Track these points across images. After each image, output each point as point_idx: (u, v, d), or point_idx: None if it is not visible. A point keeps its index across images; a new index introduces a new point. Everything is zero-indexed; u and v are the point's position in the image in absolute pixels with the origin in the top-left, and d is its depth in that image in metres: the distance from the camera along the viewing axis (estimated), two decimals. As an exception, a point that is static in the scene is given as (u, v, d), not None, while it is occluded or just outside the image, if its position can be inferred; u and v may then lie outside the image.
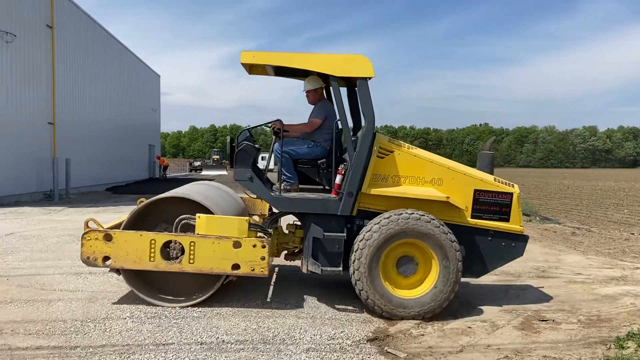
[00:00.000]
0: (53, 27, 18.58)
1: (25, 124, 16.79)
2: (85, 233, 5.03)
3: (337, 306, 5.45)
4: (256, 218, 6.58)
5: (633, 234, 11.68)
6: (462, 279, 5.69)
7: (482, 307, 5.56)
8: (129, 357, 3.94)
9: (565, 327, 4.96)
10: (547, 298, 6.01)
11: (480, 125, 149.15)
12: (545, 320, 5.13)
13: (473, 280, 6.76)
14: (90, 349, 4.07)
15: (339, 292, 5.95)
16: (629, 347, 4.32)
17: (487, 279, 6.86)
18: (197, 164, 60.34)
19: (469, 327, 4.91)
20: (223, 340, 4.35)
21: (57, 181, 17.92)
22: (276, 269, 7.06)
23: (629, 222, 14.18)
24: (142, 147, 32.88)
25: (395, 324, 4.95)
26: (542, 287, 6.53)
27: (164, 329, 4.58)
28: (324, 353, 4.15)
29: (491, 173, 5.85)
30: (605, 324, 5.07)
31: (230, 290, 5.87)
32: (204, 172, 50.66)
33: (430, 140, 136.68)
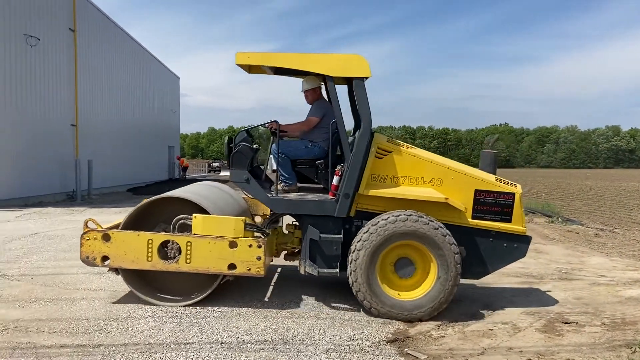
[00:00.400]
0: (75, 30, 18.90)
1: (48, 126, 17.11)
2: (84, 233, 5.11)
3: (356, 307, 5.43)
4: (258, 219, 6.58)
5: (658, 235, 11.44)
6: (467, 281, 5.65)
7: (503, 309, 5.50)
8: (151, 355, 3.98)
9: (589, 330, 4.88)
10: (570, 300, 5.92)
11: (500, 125, 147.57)
12: (569, 323, 5.05)
13: (493, 282, 6.70)
14: (113, 348, 4.13)
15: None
16: (655, 351, 4.23)
17: (508, 281, 6.80)
18: (215, 164, 60.81)
19: (491, 329, 4.85)
20: (243, 340, 4.37)
21: (80, 182, 18.22)
22: (279, 269, 7.08)
23: (654, 223, 13.89)
24: (161, 148, 33.24)
25: (415, 326, 4.92)
26: (565, 289, 6.42)
27: (185, 328, 4.62)
28: (343, 354, 4.15)
29: (493, 172, 5.74)
30: (630, 327, 4.97)
31: (248, 290, 5.90)
32: (222, 173, 51.01)
33: (449, 141, 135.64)
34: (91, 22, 20.76)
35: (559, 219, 13.84)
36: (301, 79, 6.09)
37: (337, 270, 5.25)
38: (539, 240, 10.45)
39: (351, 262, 5.02)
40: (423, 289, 5.07)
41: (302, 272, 5.42)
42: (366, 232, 5.00)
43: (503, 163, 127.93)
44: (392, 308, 4.99)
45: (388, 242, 4.98)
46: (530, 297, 6.05)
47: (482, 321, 5.10)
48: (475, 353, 4.25)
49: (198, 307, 5.19)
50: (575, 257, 8.61)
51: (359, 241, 5.01)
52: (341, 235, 5.27)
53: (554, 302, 5.85)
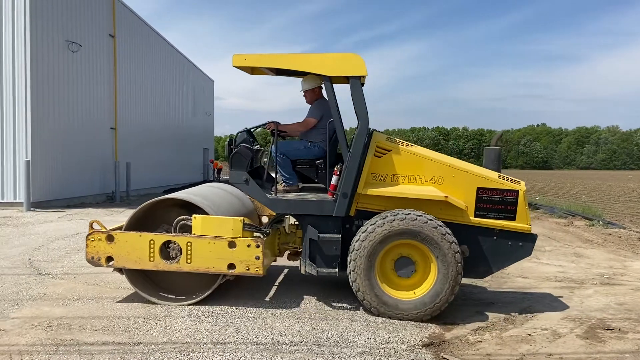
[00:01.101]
0: (115, 36, 19.42)
1: (90, 130, 17.62)
2: (89, 234, 5.25)
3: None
4: (265, 219, 6.61)
5: None
6: (504, 285, 5.54)
7: (542, 315, 5.38)
8: (189, 354, 4.06)
9: (632, 336, 4.72)
10: (612, 306, 5.74)
11: (538, 125, 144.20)
12: (611, 329, 4.90)
13: (532, 286, 6.57)
14: (152, 346, 4.22)
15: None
16: None
17: (547, 285, 6.65)
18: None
19: (529, 335, 4.75)
20: (278, 341, 4.40)
21: (119, 184, 18.71)
22: (285, 270, 7.10)
23: (702, 227, 13.32)
24: (196, 151, 33.78)
25: (451, 330, 4.86)
26: (607, 295, 6.23)
27: (221, 328, 4.69)
28: (378, 357, 4.13)
29: (498, 170, 5.62)
30: (677, 334, 4.79)
31: (285, 291, 5.95)
32: None
33: (484, 142, 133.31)
34: (130, 28, 21.29)
35: (600, 222, 13.44)
36: (300, 78, 6.11)
37: (337, 270, 5.26)
38: (579, 244, 10.18)
39: (350, 261, 5.02)
40: (423, 288, 5.02)
41: (302, 272, 5.45)
42: (364, 231, 4.99)
43: (540, 164, 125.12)
44: (392, 308, 4.97)
45: (386, 242, 4.95)
46: (570, 303, 5.89)
47: (521, 326, 5.00)
48: (513, 359, 4.17)
49: (234, 307, 5.27)
50: (617, 262, 8.34)
51: (357, 240, 5.00)
52: (340, 235, 5.27)
53: (595, 307, 5.68)
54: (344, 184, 5.21)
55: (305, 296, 5.85)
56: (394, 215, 4.96)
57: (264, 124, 5.69)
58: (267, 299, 5.71)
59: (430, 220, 4.91)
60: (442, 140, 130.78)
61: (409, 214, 4.95)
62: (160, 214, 5.61)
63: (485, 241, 5.29)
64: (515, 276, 7.05)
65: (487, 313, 5.40)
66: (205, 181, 34.39)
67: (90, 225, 5.33)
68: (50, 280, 6.35)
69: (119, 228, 5.50)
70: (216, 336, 4.48)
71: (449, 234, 4.91)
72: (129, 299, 5.56)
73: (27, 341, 4.29)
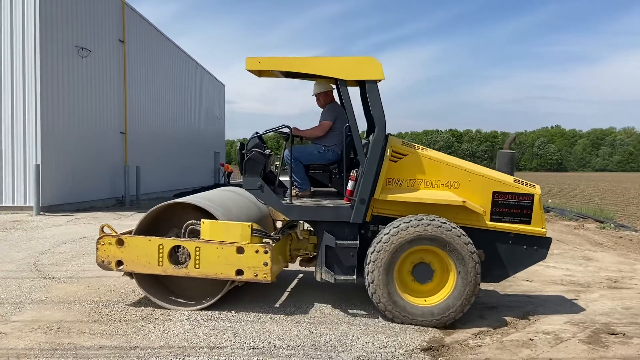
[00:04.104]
0: (125, 41, 19.59)
1: (100, 134, 17.78)
2: (99, 238, 5.24)
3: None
4: (280, 224, 6.56)
5: None
6: (509, 289, 5.48)
7: (546, 319, 5.29)
8: (184, 359, 4.04)
9: (637, 342, 4.62)
10: (618, 310, 5.63)
11: (552, 127, 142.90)
12: (615, 334, 4.80)
13: (536, 290, 6.47)
14: (149, 350, 4.22)
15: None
16: None
17: (552, 289, 6.55)
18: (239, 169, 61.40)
19: (531, 339, 4.67)
20: (275, 345, 4.37)
21: (128, 188, 18.85)
22: (300, 275, 7.05)
23: None
24: (207, 155, 33.94)
25: (451, 334, 4.80)
26: (614, 299, 6.12)
27: (219, 332, 4.67)
28: (375, 361, 4.09)
29: (511, 173, 5.56)
30: (684, 340, 4.68)
31: (286, 296, 5.92)
32: None
33: (497, 144, 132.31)
34: (139, 33, 21.48)
35: (611, 225, 13.24)
36: (312, 81, 6.06)
37: (354, 276, 5.17)
38: (588, 247, 10.03)
39: (369, 263, 4.95)
40: (441, 295, 4.97)
41: (317, 279, 5.36)
42: (387, 233, 4.92)
43: (555, 167, 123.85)
44: (408, 313, 4.91)
45: (408, 246, 4.89)
46: (575, 307, 5.79)
47: (523, 330, 4.92)
48: (512, 364, 4.10)
49: (233, 311, 5.25)
50: (626, 265, 8.20)
51: (379, 242, 4.94)
52: (358, 241, 5.20)
53: (601, 311, 5.58)
54: (362, 189, 5.13)
55: (305, 300, 5.81)
56: (418, 220, 4.91)
57: (277, 128, 5.58)
58: (277, 305, 5.68)
59: (454, 228, 4.88)
60: (455, 143, 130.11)
61: (433, 220, 4.90)
62: (172, 218, 5.59)
63: (501, 245, 5.26)
64: (520, 279, 6.96)
65: (489, 317, 5.33)
66: (216, 185, 34.55)
67: (101, 229, 5.34)
68: (54, 284, 6.39)
69: (130, 232, 5.51)
70: (213, 340, 4.46)
71: (470, 243, 4.87)
72: (130, 302, 5.57)
73: (26, 344, 4.31)
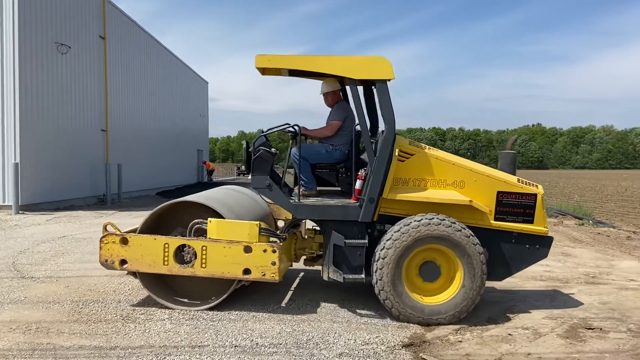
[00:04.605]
0: (105, 38, 19.35)
1: (80, 132, 17.55)
2: (103, 236, 5.17)
3: (374, 311, 5.38)
4: (281, 223, 6.55)
5: (695, 238, 11.00)
6: (489, 284, 5.53)
7: (525, 314, 5.37)
8: (165, 358, 4.02)
9: (614, 336, 4.71)
10: (595, 305, 5.74)
11: (533, 125, 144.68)
12: (592, 329, 4.89)
13: (516, 285, 6.55)
14: (129, 350, 4.18)
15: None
16: (682, 359, 4.06)
17: (532, 285, 6.64)
18: (244, 168, 61.25)
19: (510, 334, 4.74)
20: (257, 343, 4.37)
21: (110, 186, 18.65)
22: (301, 273, 7.05)
23: (692, 225, 13.36)
24: (190, 152, 33.72)
25: (432, 330, 4.84)
26: (591, 294, 6.23)
27: (201, 330, 4.65)
28: (356, 358, 4.11)
29: (513, 173, 5.66)
30: (658, 333, 4.78)
31: (268, 294, 5.91)
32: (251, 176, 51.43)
33: (480, 142, 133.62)
34: (121, 29, 21.22)
35: (590, 221, 13.46)
36: (316, 81, 6.05)
37: (363, 275, 5.17)
38: (567, 243, 10.19)
39: (378, 260, 4.97)
40: (447, 294, 5.02)
41: (325, 278, 5.35)
42: (397, 231, 4.95)
43: (536, 164, 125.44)
44: (414, 311, 4.94)
45: (418, 244, 4.93)
46: (554, 302, 5.89)
47: (502, 326, 4.99)
48: (491, 359, 4.15)
49: (215, 310, 5.22)
50: (604, 261, 8.35)
51: (388, 240, 4.96)
52: (366, 240, 5.20)
53: (579, 306, 5.68)
54: (371, 189, 5.14)
55: (287, 298, 5.82)
56: (429, 219, 4.94)
57: (284, 127, 5.55)
58: (260, 303, 5.67)
59: (463, 228, 4.94)
60: (439, 141, 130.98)
61: (443, 219, 4.94)
62: (175, 217, 5.52)
63: (504, 244, 5.32)
64: (501, 276, 7.02)
65: (470, 313, 5.37)
66: (199, 183, 34.32)
67: (104, 228, 5.26)
68: (32, 283, 6.30)
69: (134, 231, 5.45)
70: (195, 339, 4.44)
71: (479, 244, 4.94)
72: (110, 302, 5.52)
73: (4, 345, 4.25)
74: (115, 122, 20.24)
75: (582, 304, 5.79)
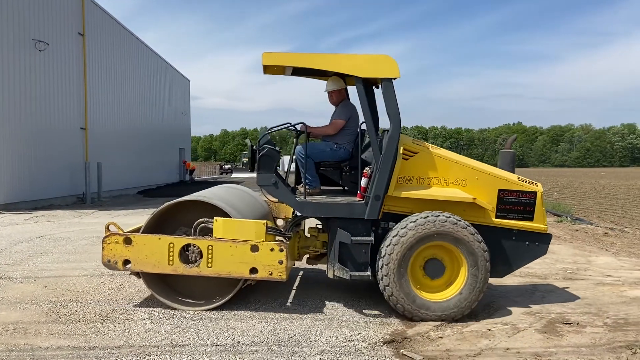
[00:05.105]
0: (84, 34, 19.08)
1: (58, 130, 17.29)
2: (105, 237, 5.08)
3: (356, 308, 5.41)
4: (280, 222, 6.54)
5: (670, 234, 11.25)
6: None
7: (504, 309, 5.44)
8: (145, 358, 3.99)
9: (590, 330, 4.80)
10: (573, 300, 5.84)
11: (514, 124, 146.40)
12: (570, 323, 4.98)
13: (497, 282, 6.62)
14: (108, 350, 4.14)
15: (360, 294, 5.92)
16: (656, 352, 4.15)
17: (511, 280, 6.72)
18: (227, 166, 61.02)
19: (489, 329, 4.80)
20: (238, 342, 4.36)
21: (89, 185, 18.41)
22: (300, 272, 7.05)
23: (667, 222, 13.66)
24: (172, 151, 33.45)
25: (413, 326, 4.88)
26: (569, 289, 6.34)
27: (182, 330, 4.63)
28: (338, 355, 4.12)
29: (512, 172, 5.75)
30: (633, 327, 4.88)
31: (250, 292, 5.89)
32: (234, 175, 51.27)
33: (461, 140, 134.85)
34: (100, 26, 20.95)
35: (568, 218, 13.68)
36: (319, 80, 6.09)
37: (369, 273, 5.18)
38: (546, 239, 10.32)
39: (384, 256, 4.99)
40: (452, 290, 5.08)
41: (330, 275, 5.35)
42: (403, 228, 4.98)
43: (517, 163, 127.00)
44: (419, 307, 4.98)
45: (423, 241, 4.97)
46: (532, 297, 5.97)
47: (482, 321, 5.04)
48: (471, 354, 4.20)
49: (197, 309, 5.19)
50: (582, 257, 8.49)
51: (394, 237, 4.99)
52: (372, 238, 5.22)
53: (557, 302, 5.77)
54: (377, 186, 5.15)
55: (270, 296, 5.81)
56: (435, 216, 4.98)
57: (290, 125, 5.56)
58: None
59: (468, 226, 5.00)
60: (421, 140, 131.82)
61: (449, 217, 4.99)
62: (176, 217, 5.44)
63: (505, 241, 5.40)
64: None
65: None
66: (181, 182, 34.07)
67: (107, 227, 5.16)
68: (10, 284, 6.19)
69: (136, 230, 5.36)
70: (175, 338, 4.41)
71: (482, 241, 5.00)
72: (89, 302, 5.45)
73: (-21, 347, 4.17)
74: (95, 120, 19.99)
75: (560, 299, 5.89)
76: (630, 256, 8.66)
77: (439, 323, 4.97)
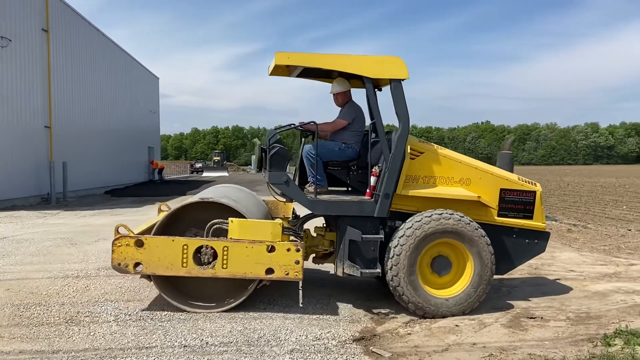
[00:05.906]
0: (48, 30, 18.59)
1: (21, 128, 16.81)
2: (115, 239, 4.93)
3: (326, 306, 5.42)
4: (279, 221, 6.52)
5: (630, 230, 11.64)
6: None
7: (471, 306, 5.52)
8: (110, 360, 3.92)
9: (554, 324, 4.93)
10: (537, 295, 5.98)
11: (482, 123, 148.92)
12: (534, 318, 5.10)
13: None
14: (72, 353, 4.05)
15: (331, 292, 5.94)
16: (615, 345, 4.29)
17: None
18: (198, 165, 60.35)
19: (457, 325, 4.88)
20: (207, 343, 4.32)
21: (54, 185, 17.95)
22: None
23: (627, 218, 14.13)
24: (141, 150, 32.89)
25: (382, 324, 4.93)
26: (533, 285, 6.50)
27: (149, 331, 4.56)
28: (307, 354, 4.12)
29: (511, 172, 5.92)
30: (594, 321, 5.03)
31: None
32: (205, 174, 50.71)
33: (431, 139, 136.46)
34: (65, 22, 20.43)
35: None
36: (325, 82, 6.10)
37: (379, 270, 5.22)
38: (513, 236, 10.54)
39: (393, 256, 5.06)
40: (459, 286, 5.21)
41: (339, 273, 5.40)
42: (410, 227, 5.06)
43: (485, 161, 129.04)
44: (429, 304, 5.07)
45: (433, 238, 5.07)
46: (498, 293, 6.10)
47: (450, 317, 5.12)
48: (439, 349, 4.26)
49: (163, 311, 5.12)
50: (546, 253, 8.58)
51: (403, 235, 5.06)
52: (382, 235, 5.27)
53: (522, 297, 5.90)
54: (386, 185, 5.21)
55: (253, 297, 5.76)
56: (439, 214, 5.08)
57: (297, 125, 5.58)
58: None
59: (471, 222, 5.12)
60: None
61: (452, 214, 5.10)
62: (185, 218, 5.32)
63: (506, 239, 5.55)
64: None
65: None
66: (151, 181, 33.54)
67: (116, 230, 5.00)
68: (-31, 287, 5.99)
69: (144, 232, 5.22)
70: (142, 340, 4.35)
71: (486, 236, 5.13)
72: (53, 305, 5.32)
73: (-64, 353, 4.02)
74: (59, 119, 19.50)
75: (525, 294, 6.03)
76: (592, 251, 8.92)
77: (407, 320, 5.03)
